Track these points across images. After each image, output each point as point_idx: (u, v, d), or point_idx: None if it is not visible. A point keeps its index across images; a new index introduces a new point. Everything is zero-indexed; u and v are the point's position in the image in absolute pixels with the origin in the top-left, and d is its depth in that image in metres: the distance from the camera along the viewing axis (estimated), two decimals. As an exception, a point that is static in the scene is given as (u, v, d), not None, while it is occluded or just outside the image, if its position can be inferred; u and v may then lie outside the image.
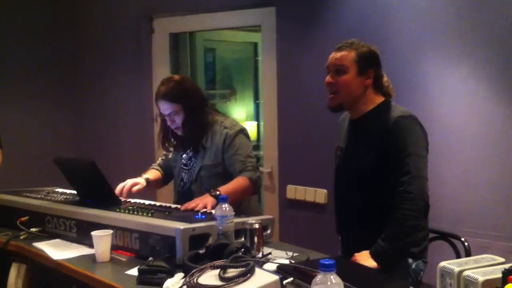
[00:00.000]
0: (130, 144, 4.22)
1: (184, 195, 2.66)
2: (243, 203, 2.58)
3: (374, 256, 2.01)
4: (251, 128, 6.10)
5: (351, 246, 2.27)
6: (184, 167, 2.71)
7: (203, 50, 4.85)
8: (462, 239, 2.33)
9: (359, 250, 2.10)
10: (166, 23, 4.11)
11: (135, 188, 2.61)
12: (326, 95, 2.24)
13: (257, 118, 5.84)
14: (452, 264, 1.44)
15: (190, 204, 2.37)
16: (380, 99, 2.23)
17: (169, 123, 2.61)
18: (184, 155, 2.71)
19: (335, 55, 2.21)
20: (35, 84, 4.27)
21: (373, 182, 2.14)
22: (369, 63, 2.20)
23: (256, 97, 5.84)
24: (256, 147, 5.40)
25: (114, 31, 4.24)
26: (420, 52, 2.91)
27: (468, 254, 2.27)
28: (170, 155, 2.82)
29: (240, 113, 6.26)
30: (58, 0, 4.39)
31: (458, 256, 2.32)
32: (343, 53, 2.19)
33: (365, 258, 2.02)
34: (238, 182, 2.52)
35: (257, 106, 5.81)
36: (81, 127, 4.46)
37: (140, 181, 2.67)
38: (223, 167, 2.61)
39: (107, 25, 4.27)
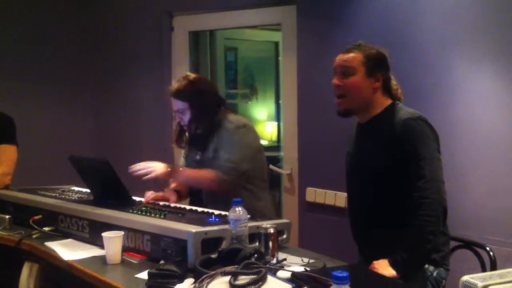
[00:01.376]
0: (150, 142, 4.18)
1: (195, 195, 2.65)
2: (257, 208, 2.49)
3: (393, 266, 1.93)
4: (272, 128, 6.05)
5: (366, 251, 2.23)
6: (197, 166, 2.64)
7: (224, 49, 4.81)
8: (487, 248, 2.23)
9: (374, 255, 2.04)
10: (186, 21, 4.07)
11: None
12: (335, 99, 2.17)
13: (278, 118, 5.78)
14: (475, 279, 1.35)
15: (136, 167, 2.41)
16: (388, 102, 2.16)
17: (178, 119, 2.62)
18: (196, 156, 2.66)
19: (342, 56, 2.14)
20: (55, 82, 4.28)
21: (383, 184, 2.08)
22: (378, 65, 2.13)
23: (277, 97, 5.79)
24: (277, 148, 5.35)
25: (134, 28, 4.21)
26: (446, 52, 2.80)
27: (493, 264, 2.18)
28: (183, 154, 2.77)
29: (262, 113, 6.20)
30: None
31: (483, 266, 2.22)
32: (351, 54, 2.12)
33: (384, 267, 1.94)
34: (203, 175, 2.50)
35: (278, 107, 5.75)
36: (101, 125, 4.45)
37: (171, 195, 2.60)
38: None
39: (127, 23, 4.24)
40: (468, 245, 2.32)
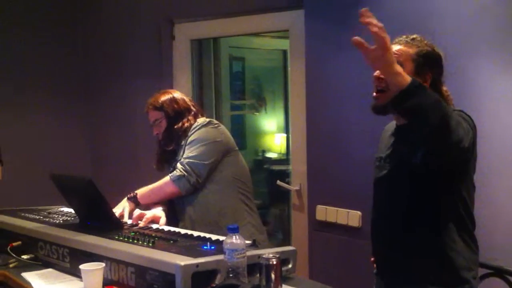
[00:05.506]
0: (147, 156, 3.95)
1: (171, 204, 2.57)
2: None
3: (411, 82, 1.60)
4: (281, 140, 5.82)
5: (387, 271, 2.01)
6: None
7: (229, 58, 4.60)
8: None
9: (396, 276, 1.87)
10: (187, 28, 3.85)
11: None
12: (370, 96, 1.92)
13: (287, 130, 5.56)
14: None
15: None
16: None
17: (155, 133, 2.62)
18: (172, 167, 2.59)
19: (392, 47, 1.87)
20: (49, 92, 4.05)
21: (420, 186, 1.84)
22: (429, 64, 1.90)
23: (287, 108, 5.57)
24: (285, 161, 5.11)
25: (133, 37, 4.00)
26: (467, 57, 2.52)
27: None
28: None
29: (271, 124, 5.99)
30: (76, 3, 4.18)
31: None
32: (401, 47, 1.91)
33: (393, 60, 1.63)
34: (158, 184, 2.51)
35: (288, 118, 5.53)
36: (97, 136, 4.22)
37: (161, 215, 2.42)
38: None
39: (126, 31, 4.04)
40: (500, 272, 2.05)
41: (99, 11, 4.14)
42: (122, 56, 4.06)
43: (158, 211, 2.43)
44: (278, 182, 3.56)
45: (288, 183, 3.57)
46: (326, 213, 3.14)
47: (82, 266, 1.72)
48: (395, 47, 1.89)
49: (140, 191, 2.53)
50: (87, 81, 4.17)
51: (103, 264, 1.74)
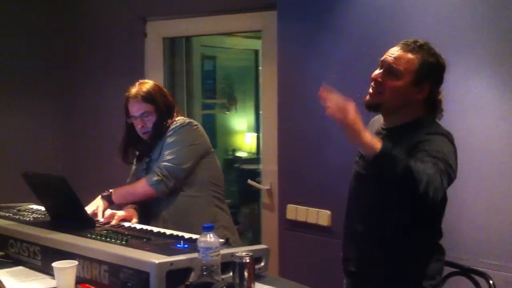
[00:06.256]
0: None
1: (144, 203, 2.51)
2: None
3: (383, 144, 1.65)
4: (251, 140, 5.85)
5: (354, 270, 2.03)
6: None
7: (200, 57, 4.61)
8: (487, 275, 2.03)
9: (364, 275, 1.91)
10: (159, 26, 3.84)
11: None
12: (365, 89, 1.94)
13: (258, 129, 5.59)
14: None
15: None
16: (423, 112, 1.93)
17: (139, 126, 2.49)
18: (144, 165, 2.55)
19: (395, 52, 1.89)
20: (19, 92, 3.96)
21: (392, 195, 1.83)
22: (429, 76, 1.87)
23: (257, 108, 5.60)
24: (256, 160, 5.14)
25: (105, 34, 3.97)
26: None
27: (493, 292, 1.97)
28: (133, 169, 2.65)
29: (241, 124, 6.01)
30: (47, 1, 4.12)
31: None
32: (406, 55, 1.87)
33: (361, 128, 1.66)
34: (135, 185, 2.47)
35: (258, 117, 5.56)
36: (65, 135, 4.14)
37: (133, 214, 2.41)
38: None
39: (99, 27, 4.00)
40: (465, 272, 2.11)
41: (72, 8, 4.09)
42: (94, 53, 4.02)
43: (130, 210, 2.42)
44: (249, 181, 3.58)
45: (258, 182, 3.59)
46: (297, 212, 3.18)
47: (54, 264, 1.71)
48: (399, 53, 1.87)
49: (115, 191, 2.48)
50: (59, 79, 4.10)
51: (76, 262, 1.73)
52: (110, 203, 2.46)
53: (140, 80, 2.59)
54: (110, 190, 2.49)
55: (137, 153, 2.63)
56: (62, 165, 3.89)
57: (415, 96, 1.88)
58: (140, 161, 2.61)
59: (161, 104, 2.47)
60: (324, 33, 3.04)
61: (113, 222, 2.28)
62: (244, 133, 6.00)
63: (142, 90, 2.47)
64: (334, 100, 1.68)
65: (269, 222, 3.50)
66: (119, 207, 2.48)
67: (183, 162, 2.42)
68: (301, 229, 3.18)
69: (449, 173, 1.72)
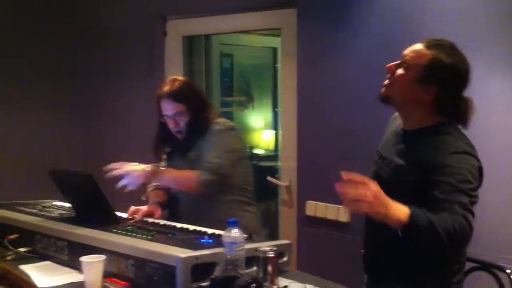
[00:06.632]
0: (139, 151, 3.95)
1: (175, 199, 2.53)
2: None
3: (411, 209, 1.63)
4: (268, 137, 5.87)
5: (376, 269, 2.03)
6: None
7: (219, 54, 4.63)
8: (508, 271, 2.03)
9: (386, 273, 1.88)
10: (179, 25, 3.88)
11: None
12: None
13: (275, 127, 5.60)
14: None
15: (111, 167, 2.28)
16: (438, 120, 1.88)
17: (171, 125, 2.46)
18: (180, 161, 2.51)
19: (413, 47, 1.87)
20: (39, 88, 4.00)
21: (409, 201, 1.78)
22: (437, 75, 1.81)
23: (274, 105, 5.62)
24: (274, 157, 5.15)
25: (125, 33, 4.00)
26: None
27: (514, 288, 1.97)
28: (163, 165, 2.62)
29: (258, 121, 6.03)
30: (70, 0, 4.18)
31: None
32: (421, 51, 1.83)
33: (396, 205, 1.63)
34: (186, 175, 2.39)
35: (275, 115, 5.58)
36: (87, 133, 4.19)
37: (156, 209, 2.44)
38: None
39: (119, 25, 4.03)
40: (486, 267, 2.12)
41: (92, 6, 4.13)
42: (114, 51, 4.05)
43: (154, 205, 2.45)
44: (269, 178, 3.61)
45: (276, 179, 3.61)
46: (316, 208, 3.20)
47: (82, 258, 1.75)
48: (417, 50, 1.85)
49: (165, 170, 2.43)
50: (80, 77, 4.14)
51: (104, 257, 1.77)
52: (155, 175, 2.37)
53: (171, 77, 2.55)
54: (161, 166, 2.44)
55: (167, 150, 2.61)
56: (84, 162, 3.93)
57: (421, 95, 1.84)
58: (171, 158, 2.59)
59: (193, 103, 2.43)
60: (344, 31, 3.05)
61: (137, 218, 2.32)
62: (261, 130, 6.02)
63: (173, 90, 2.42)
64: (349, 194, 1.64)
65: (287, 218, 3.51)
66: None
67: (231, 168, 2.40)
68: (320, 226, 3.20)
69: (474, 202, 1.72)
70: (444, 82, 1.83)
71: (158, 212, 2.43)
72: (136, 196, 2.51)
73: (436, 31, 2.63)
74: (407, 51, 1.89)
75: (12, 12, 3.91)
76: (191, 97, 2.44)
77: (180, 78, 2.55)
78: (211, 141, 2.41)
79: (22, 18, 3.94)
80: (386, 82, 1.93)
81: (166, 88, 2.44)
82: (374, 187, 1.62)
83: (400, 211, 1.63)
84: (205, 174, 2.33)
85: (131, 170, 2.30)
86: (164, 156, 2.62)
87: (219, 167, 2.35)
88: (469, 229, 1.66)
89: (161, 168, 2.43)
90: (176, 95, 2.41)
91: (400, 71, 1.87)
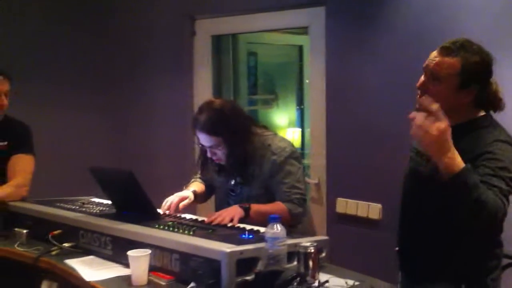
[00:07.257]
0: (169, 151, 4.04)
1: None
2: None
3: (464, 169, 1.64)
4: (293, 135, 5.89)
5: (413, 267, 2.03)
6: (231, 193, 2.49)
7: (246, 53, 4.66)
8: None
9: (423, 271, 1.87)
10: (208, 24, 3.93)
11: (182, 204, 2.43)
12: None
13: (300, 124, 5.62)
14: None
15: (215, 217, 2.19)
16: (479, 112, 1.91)
17: (209, 155, 2.39)
18: (232, 181, 2.48)
19: (436, 58, 1.84)
20: (71, 88, 4.11)
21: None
22: (475, 77, 1.81)
23: (299, 103, 5.63)
24: (301, 155, 5.17)
25: (155, 33, 4.07)
26: (498, 55, 2.58)
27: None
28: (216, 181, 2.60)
29: (282, 119, 6.04)
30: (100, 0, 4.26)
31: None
32: (446, 59, 1.82)
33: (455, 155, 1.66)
34: (275, 208, 2.28)
35: (300, 112, 5.59)
36: (119, 133, 4.28)
37: (187, 195, 2.48)
38: (272, 194, 2.41)
39: (148, 27, 4.10)
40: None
41: (122, 7, 4.20)
42: (144, 51, 4.13)
43: (187, 192, 2.50)
44: (298, 175, 3.63)
45: (306, 176, 3.65)
46: (347, 205, 3.23)
47: (129, 253, 1.81)
48: (438, 58, 1.83)
49: (255, 206, 2.32)
50: (110, 76, 4.22)
51: (149, 251, 1.83)
52: (246, 216, 2.28)
53: (207, 101, 2.43)
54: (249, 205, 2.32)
55: (215, 168, 2.52)
56: (118, 160, 3.99)
57: (461, 101, 1.85)
58: (221, 175, 2.51)
59: (229, 133, 2.29)
60: (373, 29, 3.07)
61: (170, 211, 2.37)
62: (285, 128, 6.04)
63: (206, 123, 2.29)
64: (418, 120, 1.67)
65: (316, 216, 3.54)
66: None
67: (304, 191, 2.44)
68: (350, 223, 3.23)
69: (511, 192, 1.74)
70: (481, 79, 1.85)
71: (190, 198, 2.46)
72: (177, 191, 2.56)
73: (467, 29, 2.63)
74: (431, 64, 1.85)
75: (43, 21, 4.02)
76: (225, 128, 2.29)
77: (216, 103, 2.37)
78: (278, 174, 2.36)
79: (56, 23, 4.05)
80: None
81: (202, 118, 2.31)
82: (442, 124, 1.64)
83: (457, 161, 1.66)
84: (295, 208, 2.34)
85: (230, 211, 2.25)
86: (211, 173, 2.56)
87: (302, 199, 2.38)
88: (503, 214, 1.69)
89: (251, 205, 2.31)
90: (210, 129, 2.29)
91: (434, 86, 1.85)
